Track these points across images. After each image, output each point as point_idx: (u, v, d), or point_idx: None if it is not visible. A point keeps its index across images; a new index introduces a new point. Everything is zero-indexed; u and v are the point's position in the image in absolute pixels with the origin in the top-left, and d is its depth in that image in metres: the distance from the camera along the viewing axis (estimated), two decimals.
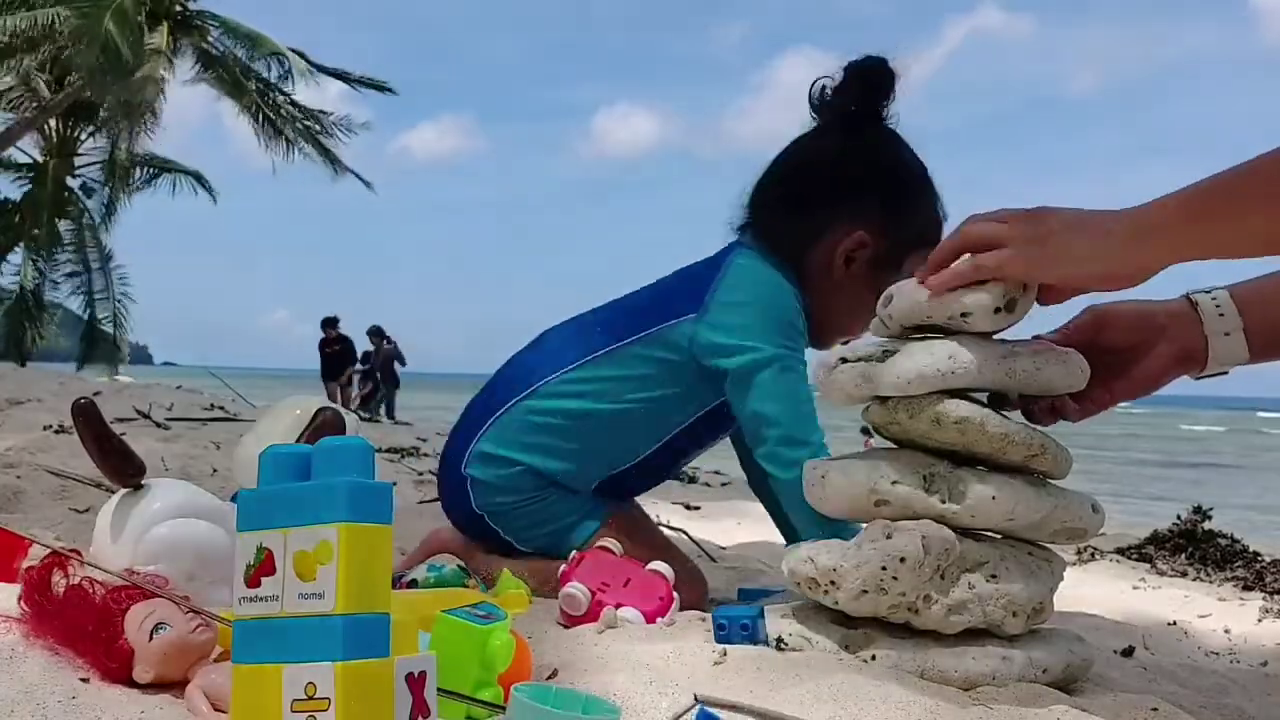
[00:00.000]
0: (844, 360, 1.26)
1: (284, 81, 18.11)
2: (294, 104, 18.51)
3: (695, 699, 0.96)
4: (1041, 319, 1.24)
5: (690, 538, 2.43)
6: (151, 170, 19.11)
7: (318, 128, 18.51)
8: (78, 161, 19.21)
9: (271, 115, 18.09)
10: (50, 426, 3.74)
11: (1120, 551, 3.01)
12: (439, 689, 0.83)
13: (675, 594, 1.47)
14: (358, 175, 19.13)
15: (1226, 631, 1.97)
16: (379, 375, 14.99)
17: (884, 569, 1.16)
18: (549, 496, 1.67)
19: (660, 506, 3.27)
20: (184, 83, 17.96)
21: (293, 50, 17.92)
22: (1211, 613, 2.14)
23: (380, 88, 19.58)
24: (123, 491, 1.27)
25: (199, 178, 19.68)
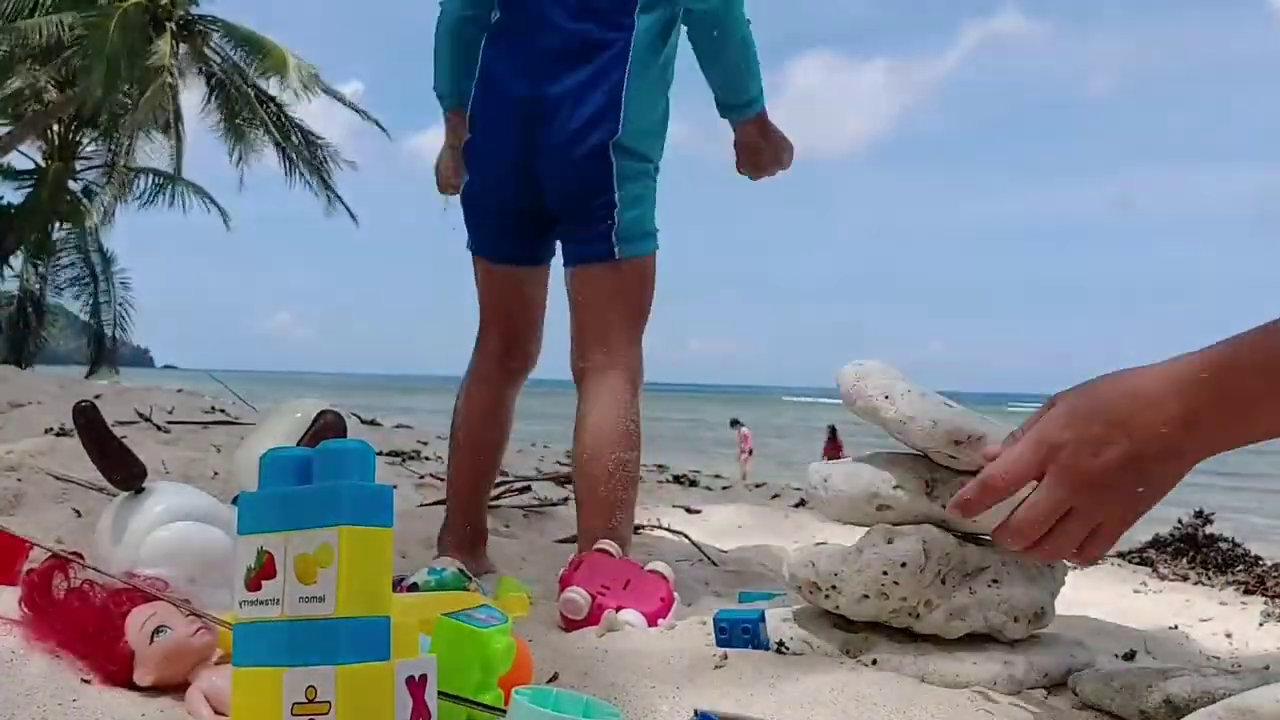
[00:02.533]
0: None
1: (284, 93, 18.14)
2: (295, 124, 18.50)
3: (695, 713, 0.96)
4: None
5: (691, 541, 2.43)
6: (158, 182, 19.07)
7: (302, 145, 18.50)
8: (79, 165, 19.22)
9: (278, 137, 18.09)
10: (51, 429, 3.73)
11: (1121, 555, 3.00)
12: (440, 692, 0.83)
13: (675, 594, 1.48)
14: (347, 208, 19.16)
15: (1228, 636, 1.97)
16: None
17: (885, 574, 1.16)
18: None
19: (661, 510, 3.27)
20: (199, 115, 18.12)
21: (295, 58, 17.94)
22: (1213, 617, 2.13)
23: (377, 124, 19.69)
24: (124, 495, 1.27)
25: (213, 201, 19.63)
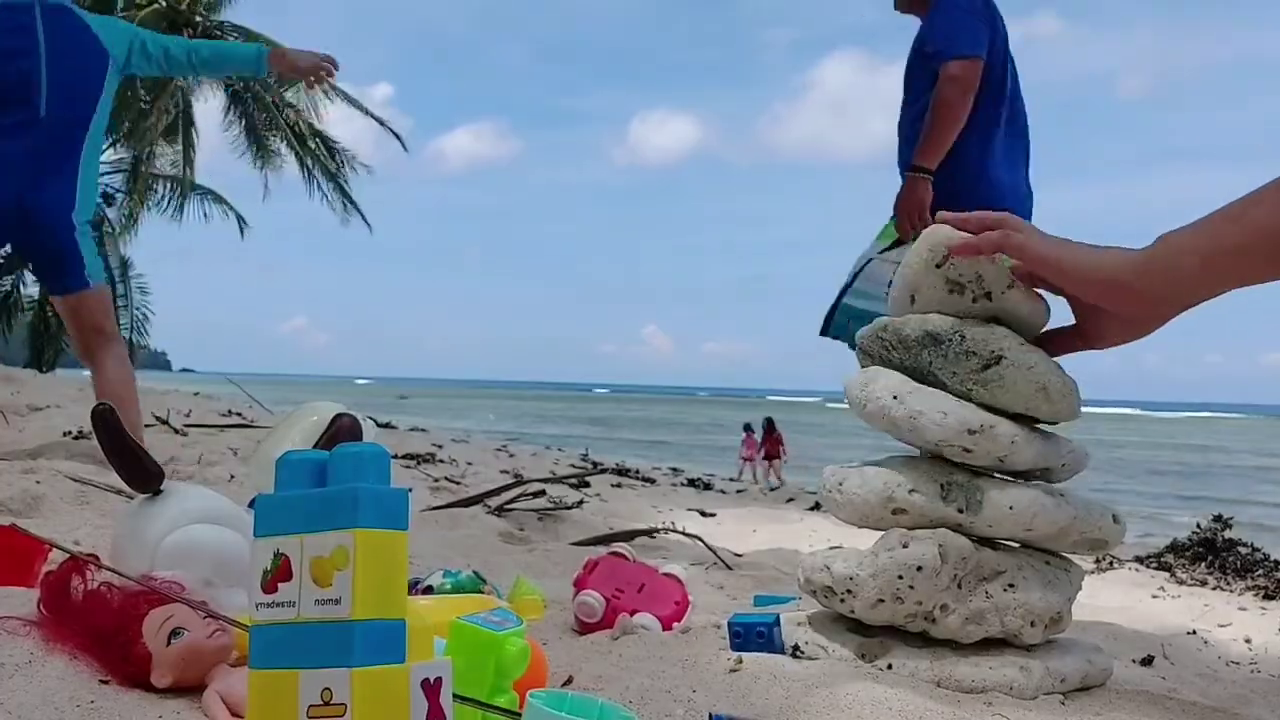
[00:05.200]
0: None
1: (299, 98, 18.17)
2: (313, 131, 18.53)
3: (710, 717, 0.96)
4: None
5: (706, 544, 2.43)
6: (177, 190, 19.16)
7: (321, 151, 18.53)
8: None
9: (296, 145, 18.14)
10: (70, 432, 3.76)
11: (1139, 560, 2.99)
12: (455, 694, 0.83)
13: (690, 597, 1.47)
14: (362, 215, 19.19)
15: (1247, 641, 1.95)
16: None
17: (900, 578, 1.15)
18: None
19: (675, 513, 3.27)
20: (221, 125, 18.31)
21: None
22: (1232, 622, 2.12)
23: (395, 134, 19.70)
24: (141, 497, 1.28)
25: (230, 207, 19.68)
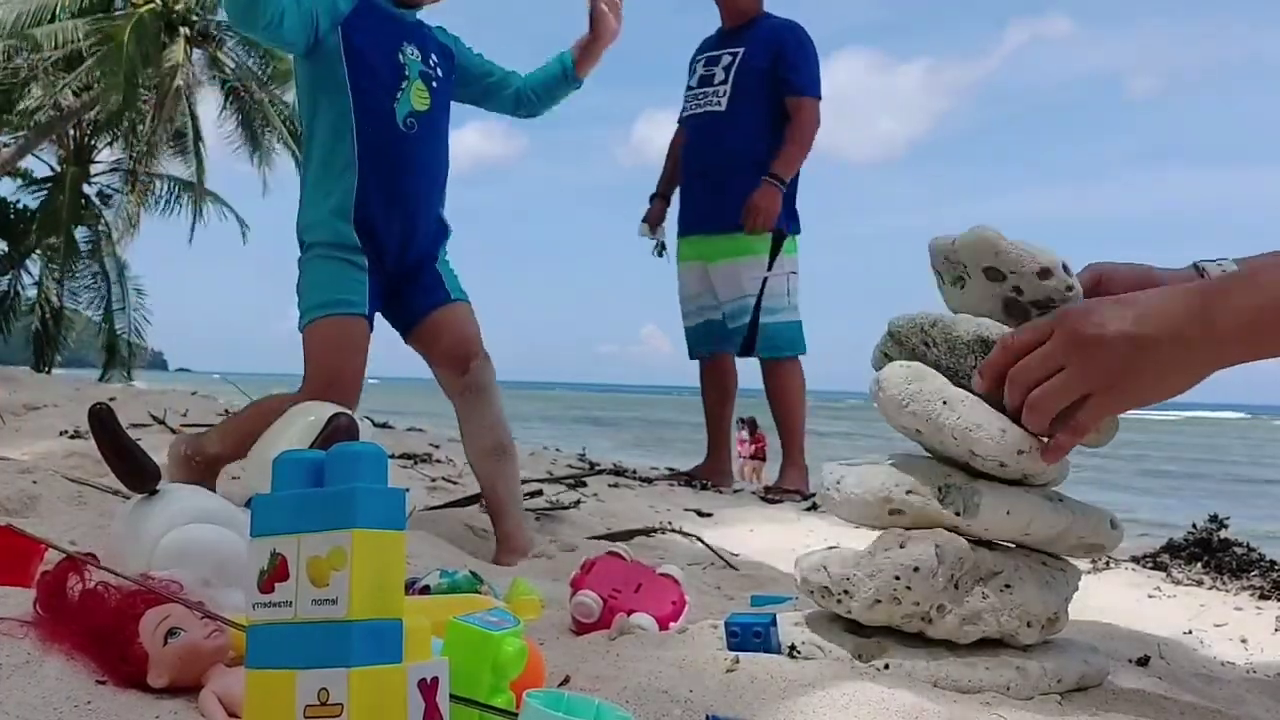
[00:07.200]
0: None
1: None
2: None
3: (707, 718, 0.96)
4: None
5: (704, 544, 2.43)
6: (174, 188, 19.17)
7: None
8: (94, 170, 19.34)
9: (292, 145, 18.11)
10: (66, 432, 3.75)
11: (1135, 560, 2.99)
12: (451, 695, 0.83)
13: (687, 598, 1.47)
14: None
15: (1243, 641, 1.95)
16: None
17: (897, 579, 1.15)
18: None
19: (673, 513, 3.26)
20: (215, 123, 18.35)
21: None
22: (1228, 622, 2.12)
23: None
24: (138, 497, 1.28)
25: (230, 209, 19.68)
